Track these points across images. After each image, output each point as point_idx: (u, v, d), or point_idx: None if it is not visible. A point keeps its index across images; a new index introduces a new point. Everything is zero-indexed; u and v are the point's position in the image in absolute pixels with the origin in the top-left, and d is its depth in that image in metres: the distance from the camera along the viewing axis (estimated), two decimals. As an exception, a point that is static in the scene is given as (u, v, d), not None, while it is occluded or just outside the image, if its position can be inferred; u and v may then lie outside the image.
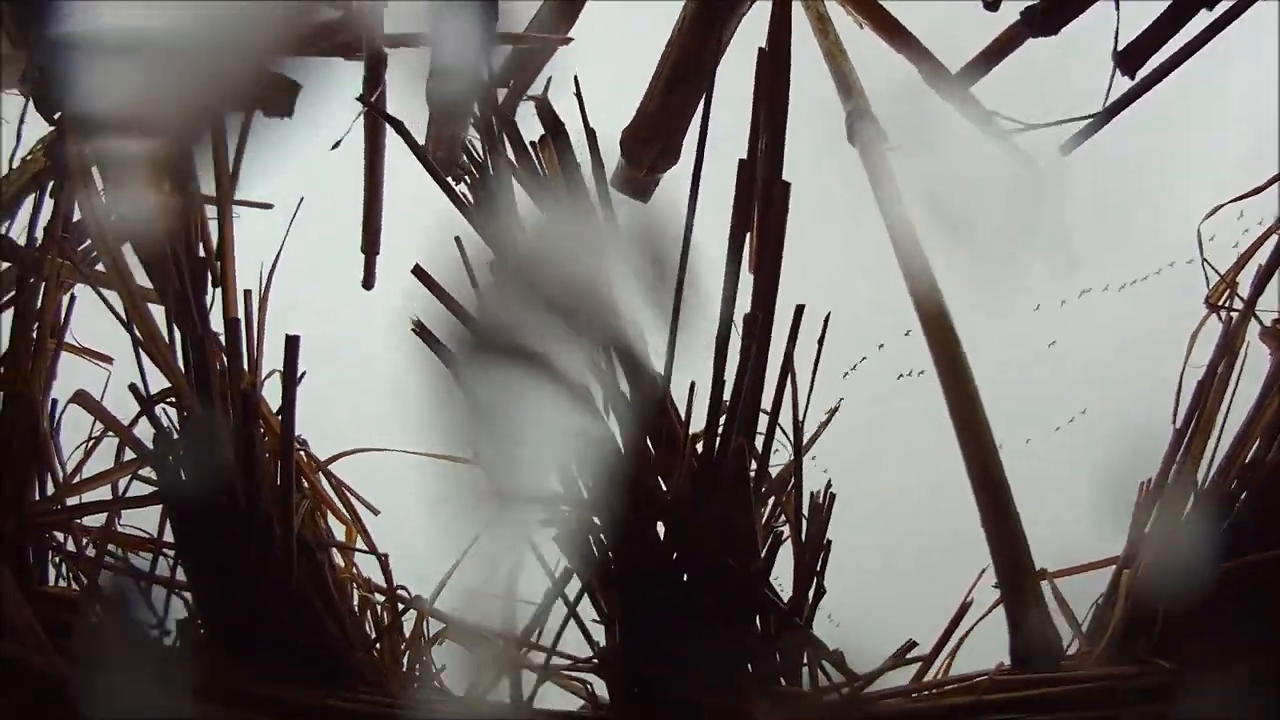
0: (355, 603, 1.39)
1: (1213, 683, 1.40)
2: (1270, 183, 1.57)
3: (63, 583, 1.42)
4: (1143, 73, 1.35)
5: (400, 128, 1.28)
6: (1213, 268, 1.54)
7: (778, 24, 1.25)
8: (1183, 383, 1.54)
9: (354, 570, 1.43)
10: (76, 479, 1.43)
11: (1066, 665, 1.55)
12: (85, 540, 1.42)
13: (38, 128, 1.52)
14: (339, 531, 1.48)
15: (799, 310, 1.20)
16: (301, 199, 1.63)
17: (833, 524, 1.19)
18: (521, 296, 1.22)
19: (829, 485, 1.21)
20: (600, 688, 1.30)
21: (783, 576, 1.33)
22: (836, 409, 1.36)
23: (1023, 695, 1.35)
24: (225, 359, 1.34)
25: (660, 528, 1.26)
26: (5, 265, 1.51)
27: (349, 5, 1.48)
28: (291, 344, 1.24)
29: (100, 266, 1.41)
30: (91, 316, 1.55)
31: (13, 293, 1.44)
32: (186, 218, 1.39)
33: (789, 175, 1.24)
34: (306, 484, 1.42)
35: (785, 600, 1.24)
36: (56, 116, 1.41)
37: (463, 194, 1.25)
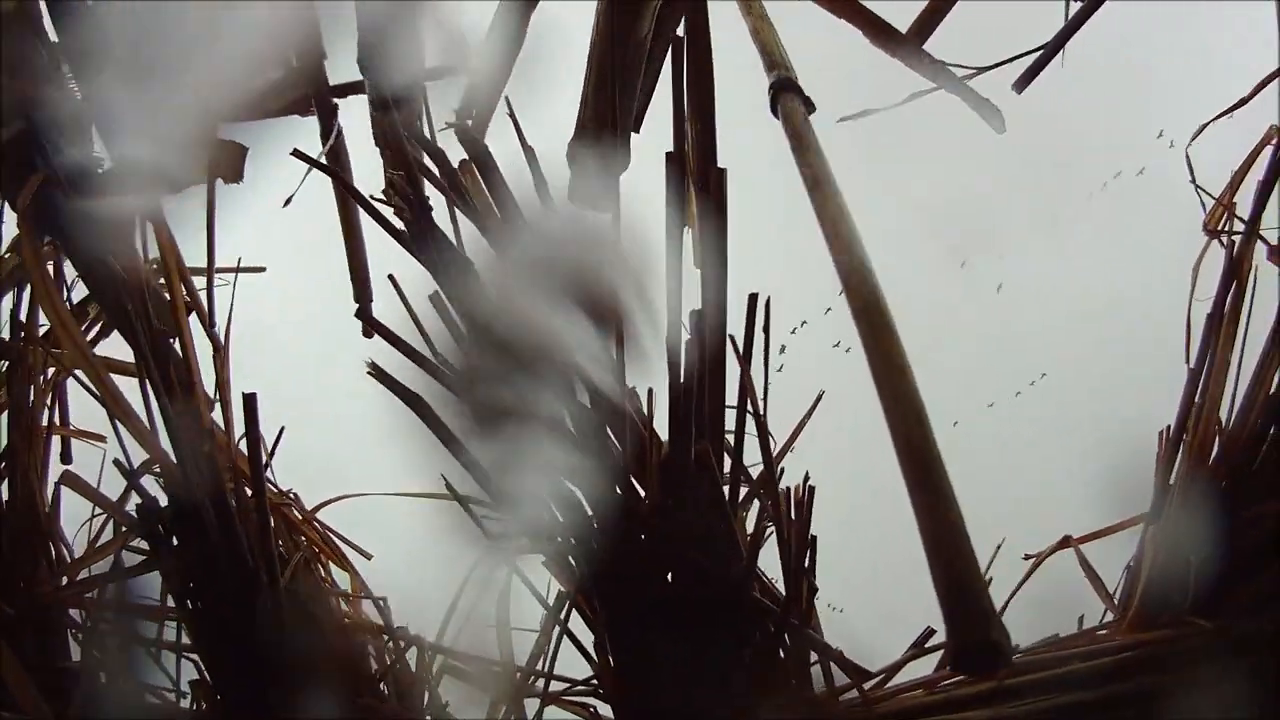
0: (356, 647, 1.39)
1: (1259, 636, 1.30)
2: (1257, 90, 1.47)
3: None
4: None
5: (334, 174, 1.28)
6: (1206, 193, 1.44)
7: (695, 9, 1.22)
8: (1190, 318, 1.44)
9: (353, 614, 1.43)
10: (84, 552, 1.47)
11: (1102, 636, 1.47)
12: (96, 613, 1.45)
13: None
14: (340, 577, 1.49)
15: (752, 299, 1.16)
16: (264, 269, 1.66)
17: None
18: (479, 335, 1.21)
19: (807, 478, 1.16)
20: (604, 708, 1.28)
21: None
22: (816, 404, 1.31)
23: (1051, 675, 1.28)
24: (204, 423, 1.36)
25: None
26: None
27: (290, 64, 1.48)
28: (250, 401, 1.25)
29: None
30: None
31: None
32: (150, 286, 1.43)
33: (729, 161, 1.21)
34: (300, 534, 1.43)
35: (779, 601, 1.19)
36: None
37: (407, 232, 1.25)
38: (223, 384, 1.43)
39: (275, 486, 1.45)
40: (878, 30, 1.34)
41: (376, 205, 1.29)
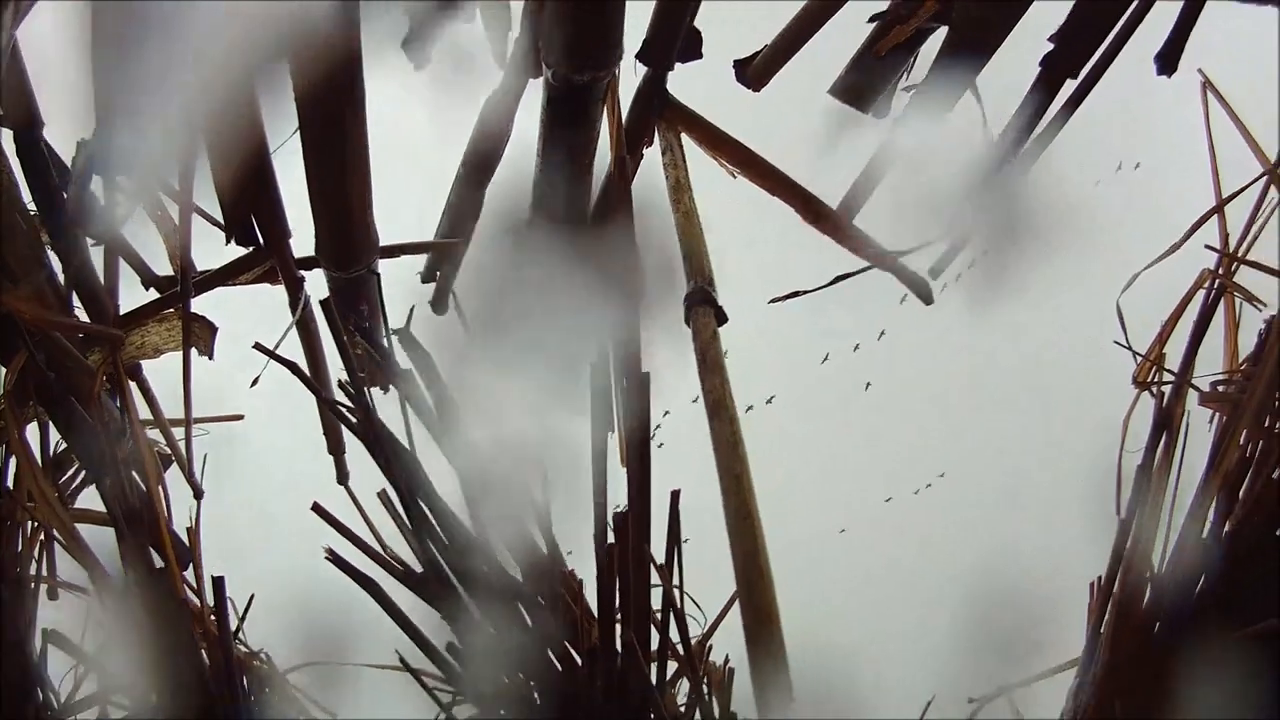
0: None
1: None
2: (1188, 235, 1.51)
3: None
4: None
5: (291, 365, 1.36)
6: (1129, 349, 1.48)
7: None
8: (1121, 468, 1.49)
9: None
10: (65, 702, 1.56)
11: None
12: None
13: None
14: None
15: (674, 495, 1.22)
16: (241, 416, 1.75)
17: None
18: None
19: (727, 660, 1.22)
20: None
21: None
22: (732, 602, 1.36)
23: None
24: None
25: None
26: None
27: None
28: (218, 583, 1.33)
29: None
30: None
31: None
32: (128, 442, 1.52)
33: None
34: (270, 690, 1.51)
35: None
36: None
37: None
38: (194, 543, 1.52)
39: (246, 646, 1.53)
40: (808, 206, 1.41)
41: (335, 398, 1.37)
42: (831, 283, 1.32)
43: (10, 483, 1.65)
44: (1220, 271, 1.45)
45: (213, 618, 1.37)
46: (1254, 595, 1.47)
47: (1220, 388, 1.50)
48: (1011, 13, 1.22)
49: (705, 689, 1.21)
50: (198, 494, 1.66)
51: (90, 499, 1.71)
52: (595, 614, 1.26)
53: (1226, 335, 1.51)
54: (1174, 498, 1.48)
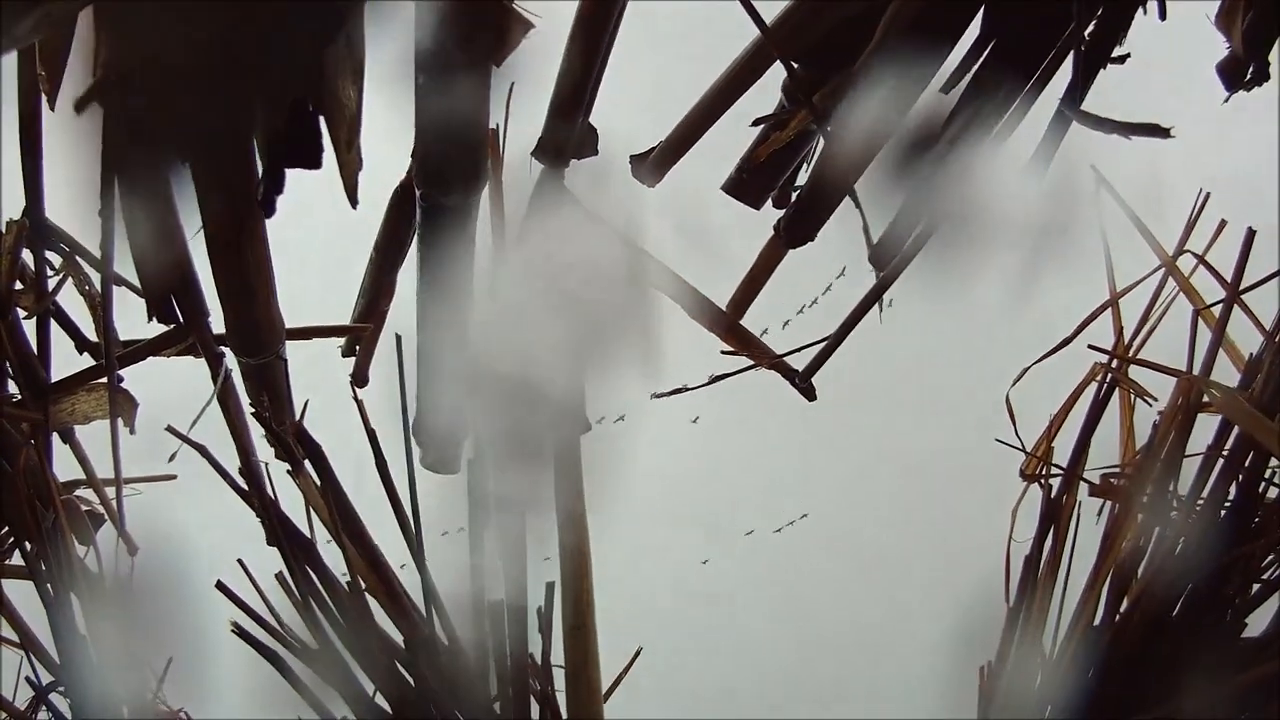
0: None
1: None
2: (1079, 330, 1.53)
3: None
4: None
5: (199, 448, 1.42)
6: (1018, 446, 1.51)
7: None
8: (1010, 558, 1.51)
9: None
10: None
11: None
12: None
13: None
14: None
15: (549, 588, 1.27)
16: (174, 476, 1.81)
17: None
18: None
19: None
20: None
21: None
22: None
23: None
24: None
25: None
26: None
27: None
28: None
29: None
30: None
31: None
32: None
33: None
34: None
35: None
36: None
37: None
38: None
39: (167, 706, 1.59)
40: (697, 305, 1.45)
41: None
42: (710, 381, 1.36)
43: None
44: (1113, 365, 1.47)
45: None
46: (1144, 684, 1.49)
47: (1113, 480, 1.52)
48: (883, 130, 1.25)
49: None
50: (131, 550, 1.73)
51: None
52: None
53: (1122, 427, 1.53)
54: (1064, 587, 1.50)
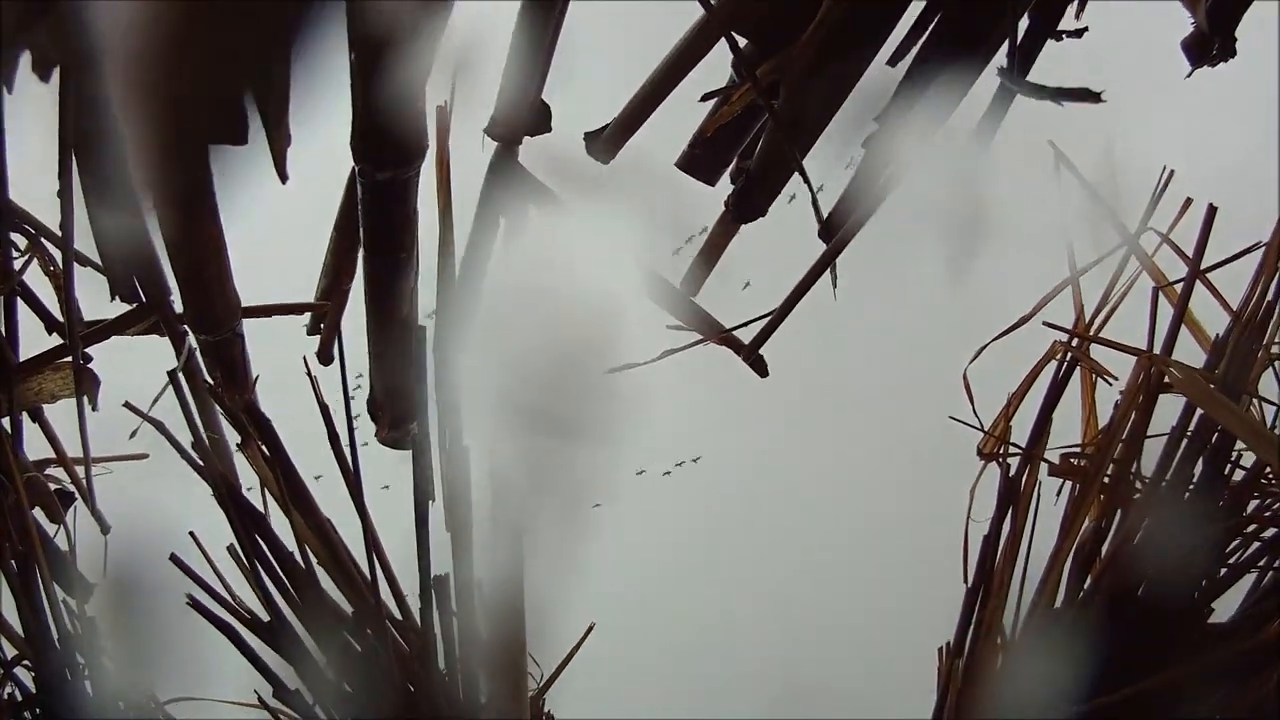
0: None
1: None
2: (1031, 315, 1.51)
3: None
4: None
5: (157, 424, 1.43)
6: (974, 427, 1.49)
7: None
8: (968, 538, 1.50)
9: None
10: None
11: None
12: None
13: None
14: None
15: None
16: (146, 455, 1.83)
17: None
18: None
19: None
20: None
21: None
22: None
23: None
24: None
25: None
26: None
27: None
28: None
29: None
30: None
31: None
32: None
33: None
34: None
35: None
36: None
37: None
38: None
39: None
40: (653, 284, 1.44)
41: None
42: (660, 357, 1.36)
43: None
44: (1073, 343, 1.46)
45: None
46: (1106, 667, 1.48)
47: (1074, 460, 1.50)
48: (829, 105, 1.24)
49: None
50: (104, 529, 1.75)
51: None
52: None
53: (1083, 406, 1.51)
54: (1025, 568, 1.49)
